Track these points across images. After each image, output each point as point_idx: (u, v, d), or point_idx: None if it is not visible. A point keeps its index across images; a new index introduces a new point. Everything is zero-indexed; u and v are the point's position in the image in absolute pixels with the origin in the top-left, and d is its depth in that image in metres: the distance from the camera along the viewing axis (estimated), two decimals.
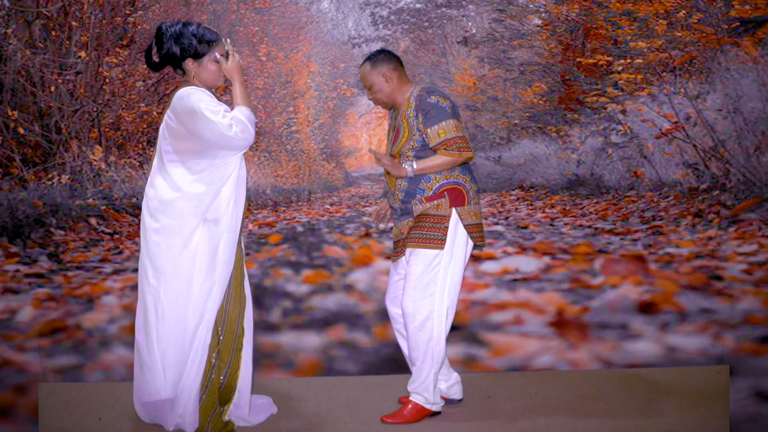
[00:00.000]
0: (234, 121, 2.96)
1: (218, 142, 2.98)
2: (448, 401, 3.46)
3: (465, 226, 3.21)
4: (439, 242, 3.19)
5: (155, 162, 3.12)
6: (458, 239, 3.22)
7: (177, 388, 3.09)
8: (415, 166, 3.20)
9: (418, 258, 3.21)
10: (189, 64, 3.04)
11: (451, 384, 3.47)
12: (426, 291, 3.20)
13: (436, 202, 3.21)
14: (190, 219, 3.04)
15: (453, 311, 3.30)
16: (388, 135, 3.39)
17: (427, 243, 3.20)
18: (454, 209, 3.21)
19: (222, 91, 3.39)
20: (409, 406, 3.29)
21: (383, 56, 3.31)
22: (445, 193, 3.21)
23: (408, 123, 3.25)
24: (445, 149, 3.17)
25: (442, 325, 3.23)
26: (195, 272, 3.05)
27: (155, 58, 3.08)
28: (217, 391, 3.14)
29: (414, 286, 3.21)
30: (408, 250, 3.26)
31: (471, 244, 3.30)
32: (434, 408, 3.31)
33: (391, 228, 3.43)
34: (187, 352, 3.07)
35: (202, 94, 3.02)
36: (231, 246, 3.10)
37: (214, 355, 3.12)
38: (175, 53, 3.02)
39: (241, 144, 2.99)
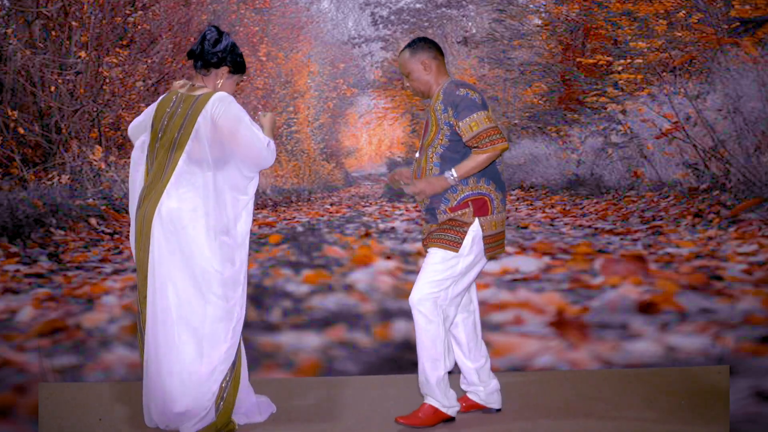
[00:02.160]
0: (269, 142, 3.17)
1: (250, 154, 3.13)
2: (486, 410, 3.40)
3: (485, 237, 3.17)
4: (456, 245, 3.14)
5: (178, 170, 3.11)
6: (477, 248, 3.18)
7: (195, 401, 3.09)
8: (455, 174, 3.13)
9: (435, 257, 3.18)
10: (224, 71, 3.24)
11: (490, 392, 3.40)
12: (435, 288, 3.16)
13: (459, 212, 3.17)
14: (202, 233, 3.08)
15: (454, 311, 3.26)
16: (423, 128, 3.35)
17: (444, 244, 3.16)
18: (477, 219, 3.16)
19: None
20: (425, 407, 3.25)
21: (423, 44, 3.25)
22: (470, 203, 3.17)
23: (435, 116, 3.19)
24: (478, 147, 3.10)
25: (444, 326, 3.19)
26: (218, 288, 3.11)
27: (198, 50, 3.21)
28: (231, 395, 3.17)
29: (424, 280, 3.18)
30: (429, 250, 3.24)
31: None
32: (450, 412, 3.26)
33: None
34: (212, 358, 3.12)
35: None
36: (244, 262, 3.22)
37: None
38: (217, 58, 3.21)
39: (266, 164, 3.18)
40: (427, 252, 3.28)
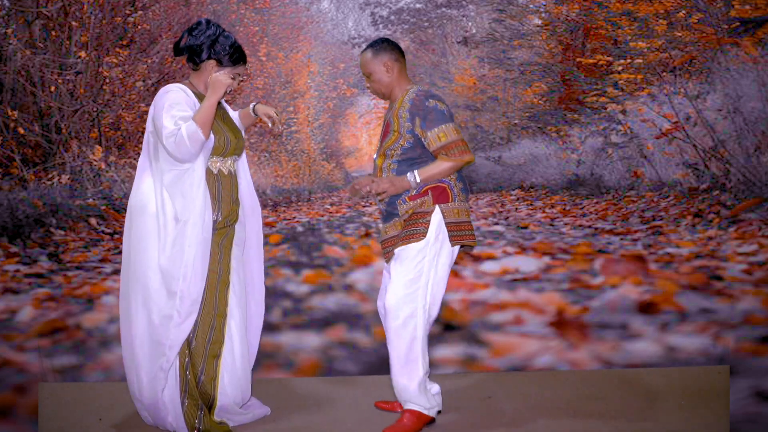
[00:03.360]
0: (174, 135, 2.96)
1: (161, 141, 3.01)
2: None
3: (447, 223, 3.14)
4: (421, 235, 3.12)
5: (138, 165, 3.15)
6: (443, 236, 3.16)
7: (154, 391, 3.08)
8: (418, 178, 3.13)
9: (403, 254, 3.16)
10: (209, 65, 3.13)
11: (435, 393, 3.33)
12: (410, 287, 3.13)
13: (419, 200, 3.15)
14: (153, 220, 3.05)
15: (436, 310, 3.23)
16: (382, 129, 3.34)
17: (410, 238, 3.14)
18: (437, 206, 3.15)
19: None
20: (407, 414, 3.21)
21: (386, 45, 3.24)
22: (429, 191, 3.16)
23: (398, 123, 3.18)
24: (446, 154, 3.10)
25: (423, 325, 3.15)
26: (158, 276, 3.05)
27: (182, 44, 3.15)
28: (196, 393, 3.12)
29: (398, 282, 3.14)
30: (396, 251, 3.20)
31: (458, 246, 3.22)
32: (432, 413, 3.23)
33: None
34: (156, 356, 3.07)
35: (180, 95, 3.05)
36: (199, 254, 3.07)
37: (186, 359, 3.11)
38: (201, 50, 3.10)
39: (176, 157, 2.99)
40: (387, 255, 3.26)
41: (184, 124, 2.97)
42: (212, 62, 3.12)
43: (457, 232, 3.19)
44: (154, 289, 3.02)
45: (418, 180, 3.13)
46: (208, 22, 3.14)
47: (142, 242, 3.04)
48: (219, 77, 3.07)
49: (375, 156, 3.32)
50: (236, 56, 3.15)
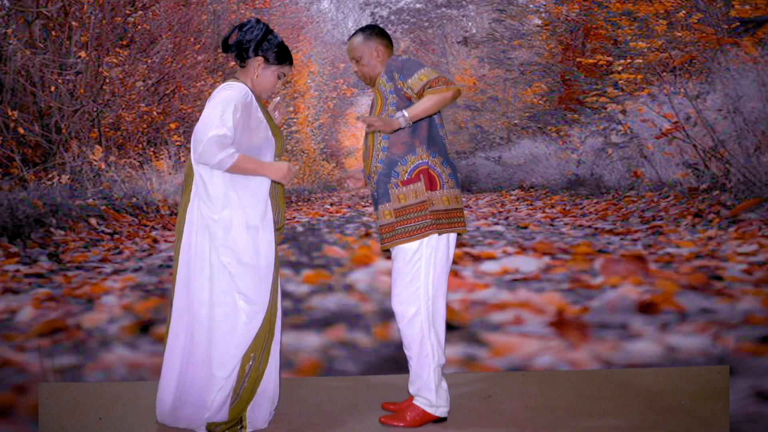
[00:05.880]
0: (222, 138, 2.94)
1: (196, 132, 2.99)
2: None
3: (435, 211, 3.13)
4: (418, 231, 3.12)
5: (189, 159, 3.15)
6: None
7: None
8: (406, 114, 3.11)
9: (399, 255, 3.18)
10: (257, 62, 3.12)
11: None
12: (411, 287, 3.15)
13: (413, 187, 3.14)
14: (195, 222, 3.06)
15: (442, 303, 3.21)
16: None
17: (405, 237, 3.14)
18: (427, 193, 3.14)
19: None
20: (412, 408, 3.21)
21: (378, 31, 3.28)
22: (421, 175, 3.14)
23: (380, 90, 3.22)
24: (431, 88, 3.09)
25: (428, 321, 3.16)
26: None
27: (231, 41, 3.15)
28: (248, 393, 3.11)
29: (399, 284, 3.17)
30: (393, 251, 3.22)
31: (454, 234, 3.22)
32: (438, 413, 3.21)
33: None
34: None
35: (240, 98, 3.02)
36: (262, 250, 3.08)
37: (251, 361, 3.10)
38: (249, 47, 3.11)
39: (200, 153, 2.96)
40: (383, 242, 3.24)
41: (230, 150, 2.94)
42: (259, 59, 3.12)
43: (446, 219, 3.17)
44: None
45: (407, 116, 3.10)
46: (258, 21, 3.16)
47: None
48: (289, 173, 3.08)
49: (365, 134, 3.30)
50: (283, 55, 3.16)
